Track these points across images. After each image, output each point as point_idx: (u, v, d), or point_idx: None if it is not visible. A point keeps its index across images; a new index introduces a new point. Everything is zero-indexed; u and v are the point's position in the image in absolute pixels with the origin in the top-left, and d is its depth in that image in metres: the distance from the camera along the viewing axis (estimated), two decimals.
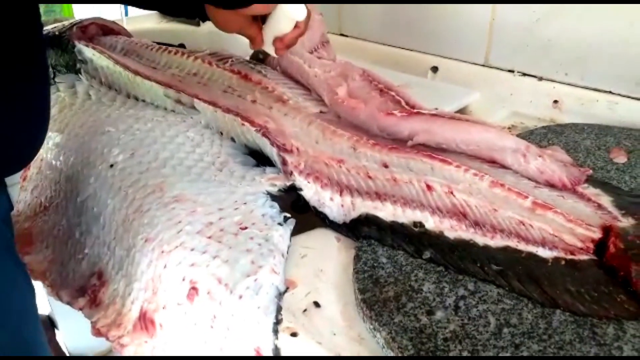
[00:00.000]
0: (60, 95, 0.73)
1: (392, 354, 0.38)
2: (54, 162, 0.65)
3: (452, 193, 0.51)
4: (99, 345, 1.07)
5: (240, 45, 1.05)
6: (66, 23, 0.81)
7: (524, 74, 0.78)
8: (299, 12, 0.55)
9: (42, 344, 0.49)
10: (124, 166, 0.57)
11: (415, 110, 0.61)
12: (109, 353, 1.09)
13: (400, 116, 0.61)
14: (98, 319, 0.49)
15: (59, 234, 0.62)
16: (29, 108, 0.46)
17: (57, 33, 0.78)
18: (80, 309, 0.54)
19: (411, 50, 0.88)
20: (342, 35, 0.99)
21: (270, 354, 0.42)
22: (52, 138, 0.66)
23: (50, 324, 1.03)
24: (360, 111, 0.63)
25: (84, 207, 0.59)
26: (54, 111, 0.69)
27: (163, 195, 0.53)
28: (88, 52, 0.74)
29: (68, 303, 0.57)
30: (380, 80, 0.67)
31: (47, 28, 0.82)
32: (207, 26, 1.14)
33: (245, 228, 0.50)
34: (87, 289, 0.55)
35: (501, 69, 0.80)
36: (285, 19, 0.56)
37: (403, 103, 0.64)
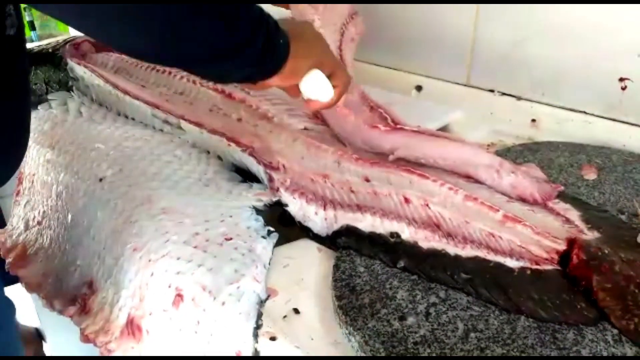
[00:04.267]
0: (52, 112, 0.76)
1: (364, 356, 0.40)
2: (45, 178, 0.67)
3: (427, 205, 0.53)
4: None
5: None
6: (60, 39, 0.84)
7: (504, 94, 0.82)
8: (321, 94, 0.52)
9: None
10: (113, 180, 0.59)
11: (398, 126, 0.65)
12: None
13: (383, 130, 0.64)
14: (87, 325, 0.51)
15: (51, 247, 0.64)
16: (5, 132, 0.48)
17: (50, 50, 0.81)
18: (71, 317, 0.55)
19: (396, 70, 0.91)
20: None
21: (250, 357, 0.44)
22: (44, 154, 0.68)
23: (38, 336, 1.04)
24: (349, 121, 0.66)
25: (74, 220, 0.61)
26: (46, 127, 0.72)
27: (151, 206, 0.56)
28: (79, 70, 0.77)
29: (60, 311, 0.58)
30: (373, 100, 0.70)
31: (41, 44, 0.85)
32: None
33: (230, 239, 0.52)
34: (78, 298, 0.57)
35: (482, 89, 0.83)
36: (312, 92, 0.52)
37: (389, 120, 0.67)
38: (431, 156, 0.61)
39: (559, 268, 0.47)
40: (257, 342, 0.44)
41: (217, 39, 0.40)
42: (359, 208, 0.55)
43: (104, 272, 0.53)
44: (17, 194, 0.72)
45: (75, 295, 0.57)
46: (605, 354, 0.40)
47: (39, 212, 0.67)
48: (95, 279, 0.54)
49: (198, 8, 0.38)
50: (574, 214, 0.55)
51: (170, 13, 0.37)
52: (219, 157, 0.65)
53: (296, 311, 0.46)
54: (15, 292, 0.67)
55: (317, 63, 0.50)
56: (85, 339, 0.51)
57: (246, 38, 0.41)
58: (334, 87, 0.52)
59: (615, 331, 0.42)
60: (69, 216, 0.62)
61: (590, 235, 0.51)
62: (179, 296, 0.47)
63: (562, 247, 0.48)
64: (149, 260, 0.49)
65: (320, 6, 0.72)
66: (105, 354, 0.51)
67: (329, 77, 0.51)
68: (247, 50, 0.42)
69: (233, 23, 0.40)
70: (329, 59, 0.52)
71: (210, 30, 0.40)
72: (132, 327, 0.48)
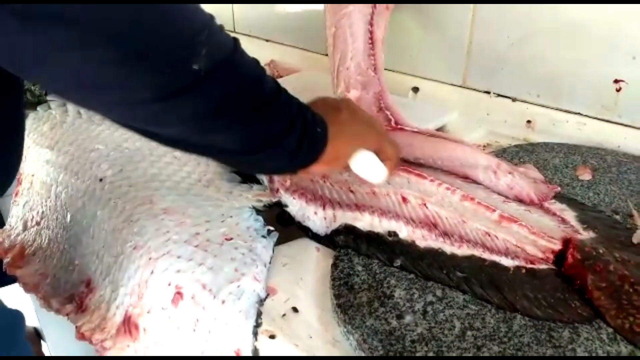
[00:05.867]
0: (51, 112, 0.76)
1: (364, 356, 0.41)
2: (44, 178, 0.67)
3: (425, 205, 0.54)
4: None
5: None
6: None
7: (499, 95, 0.82)
8: (373, 175, 0.50)
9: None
10: (113, 180, 0.59)
11: (399, 127, 0.66)
12: None
13: (386, 128, 0.65)
14: (83, 323, 0.51)
15: (50, 247, 0.64)
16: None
17: None
18: (67, 315, 0.56)
19: (393, 71, 0.92)
20: (327, 55, 1.04)
21: (249, 354, 0.44)
22: (43, 155, 0.69)
23: (37, 336, 1.04)
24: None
25: (73, 220, 0.61)
26: (45, 128, 0.72)
27: (152, 206, 0.56)
28: None
29: (57, 310, 0.58)
30: (385, 101, 0.70)
31: None
32: None
33: (231, 239, 0.53)
34: (75, 296, 0.57)
35: (478, 90, 0.84)
36: (364, 174, 0.51)
37: (393, 122, 0.68)
38: (430, 156, 0.62)
39: (554, 267, 0.48)
40: (256, 340, 0.45)
41: (246, 136, 0.39)
42: (358, 207, 0.56)
43: (102, 271, 0.53)
44: (16, 195, 0.72)
45: (72, 294, 0.57)
46: (600, 352, 0.40)
47: (37, 213, 0.67)
48: (93, 277, 0.54)
49: (227, 105, 0.37)
50: (569, 214, 0.56)
51: (200, 108, 0.35)
52: None
53: (295, 310, 0.47)
54: (13, 292, 0.67)
55: (360, 143, 0.48)
56: (81, 336, 0.51)
57: (279, 134, 0.40)
58: (383, 161, 0.50)
59: (610, 330, 0.42)
60: (68, 216, 0.62)
61: (585, 235, 0.52)
62: (179, 294, 0.48)
63: (557, 246, 0.49)
64: (149, 259, 0.50)
65: None
66: (101, 351, 0.51)
67: (376, 153, 0.50)
68: (280, 145, 0.41)
69: (266, 121, 0.39)
70: (372, 136, 0.50)
71: (240, 128, 0.38)
72: (128, 325, 0.49)
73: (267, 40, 1.13)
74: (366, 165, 0.49)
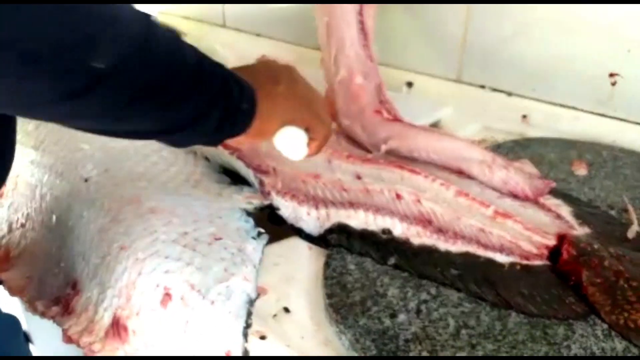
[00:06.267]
0: None
1: (356, 355, 0.40)
2: (29, 179, 0.66)
3: (419, 201, 0.53)
4: None
5: (220, 60, 1.08)
6: None
7: (494, 90, 0.82)
8: (294, 152, 0.49)
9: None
10: (99, 180, 0.58)
11: (397, 118, 0.66)
12: None
13: (384, 117, 0.65)
14: (70, 326, 0.50)
15: (35, 250, 0.63)
16: None
17: None
18: (53, 318, 0.54)
19: (387, 66, 0.90)
20: (317, 49, 1.03)
21: (239, 357, 0.43)
22: (28, 155, 0.67)
23: (25, 339, 1.02)
24: (359, 102, 0.66)
25: (59, 221, 0.60)
26: (30, 127, 0.70)
27: (139, 206, 0.55)
28: None
29: (42, 313, 0.57)
30: (384, 94, 0.69)
31: None
32: (188, 40, 1.16)
33: (220, 239, 0.52)
34: (61, 299, 0.56)
35: (473, 85, 0.83)
36: (285, 149, 0.49)
37: (391, 115, 0.67)
38: (424, 149, 0.61)
39: (549, 263, 0.47)
40: (246, 341, 0.44)
41: (164, 119, 0.38)
42: (352, 205, 0.55)
43: (89, 272, 0.52)
44: (0, 196, 0.70)
45: (58, 296, 0.56)
46: (595, 348, 0.40)
47: (22, 214, 0.66)
48: (80, 279, 0.53)
49: (139, 94, 0.35)
50: (564, 210, 0.55)
51: (108, 102, 0.34)
52: (207, 159, 0.64)
53: (286, 310, 0.46)
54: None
55: (289, 120, 0.47)
56: (68, 339, 0.50)
57: (199, 114, 0.39)
58: (311, 139, 0.49)
59: (605, 326, 0.42)
60: (53, 218, 0.61)
61: (580, 230, 0.51)
62: (168, 295, 0.47)
63: (552, 242, 0.48)
64: (137, 259, 0.49)
65: None
66: (89, 355, 0.50)
67: (306, 130, 0.48)
68: (201, 124, 0.40)
69: (185, 102, 0.38)
70: (304, 113, 0.48)
71: (156, 112, 0.37)
72: (117, 328, 0.48)
73: (257, 35, 1.12)
74: (287, 141, 0.48)
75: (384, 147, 0.63)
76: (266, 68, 0.49)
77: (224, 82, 0.41)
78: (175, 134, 0.40)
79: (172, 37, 0.38)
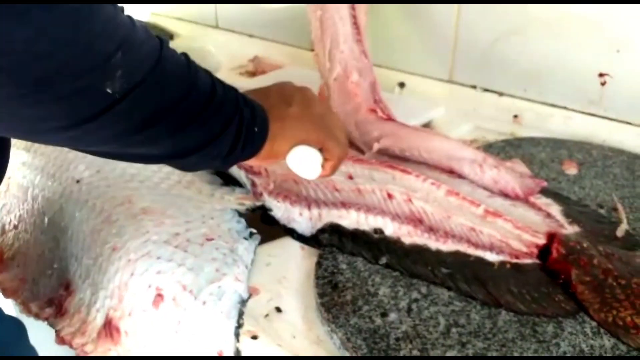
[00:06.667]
0: None
1: (347, 354, 0.40)
2: (21, 181, 0.66)
3: (410, 201, 0.53)
4: None
5: (213, 60, 1.08)
6: None
7: (486, 90, 0.82)
8: (307, 172, 0.47)
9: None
10: (91, 181, 0.58)
11: (391, 118, 0.66)
12: None
13: (378, 116, 0.66)
14: (62, 327, 0.50)
15: (28, 251, 0.62)
16: None
17: None
18: (46, 319, 0.54)
19: (379, 67, 0.91)
20: (313, 50, 1.03)
21: (231, 356, 0.44)
22: (19, 156, 0.67)
23: None
24: (354, 100, 0.66)
25: (51, 223, 0.60)
26: None
27: (131, 206, 0.55)
28: None
29: (36, 315, 0.57)
30: (380, 94, 0.70)
31: None
32: (181, 41, 1.16)
33: (212, 239, 0.52)
34: (55, 300, 0.56)
35: (464, 85, 0.84)
36: (298, 169, 0.48)
37: (385, 115, 0.68)
38: (416, 148, 0.62)
39: (538, 262, 0.48)
40: (238, 341, 0.44)
41: (175, 144, 0.37)
42: (344, 205, 0.55)
43: (82, 273, 0.52)
44: None
45: (51, 298, 0.56)
46: (584, 346, 0.40)
47: (15, 216, 0.66)
48: (72, 280, 0.53)
49: (150, 120, 0.34)
50: (555, 209, 0.55)
51: (119, 128, 0.33)
52: None
53: (278, 309, 0.46)
54: None
55: (301, 140, 0.45)
56: (61, 340, 0.50)
57: (210, 139, 0.38)
58: (326, 160, 0.47)
59: (594, 323, 0.42)
60: (46, 219, 0.61)
61: (570, 229, 0.52)
62: (160, 296, 0.47)
63: (541, 241, 0.49)
64: (129, 260, 0.49)
65: None
66: (82, 355, 0.50)
67: (320, 150, 0.47)
68: (212, 149, 0.39)
69: (197, 127, 0.37)
70: (318, 133, 0.46)
71: (167, 138, 0.36)
72: (110, 329, 0.48)
73: (250, 36, 1.12)
74: (301, 160, 0.46)
75: (376, 146, 0.63)
76: (279, 90, 0.47)
77: (236, 105, 0.40)
78: (185, 158, 0.39)
79: (184, 60, 0.37)
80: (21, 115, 0.30)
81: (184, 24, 1.22)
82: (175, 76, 0.36)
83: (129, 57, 0.32)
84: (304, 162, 0.47)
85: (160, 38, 0.35)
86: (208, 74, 0.39)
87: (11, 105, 0.29)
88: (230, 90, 0.41)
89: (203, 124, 0.37)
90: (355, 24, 0.69)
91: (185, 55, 0.38)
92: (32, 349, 0.52)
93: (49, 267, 0.59)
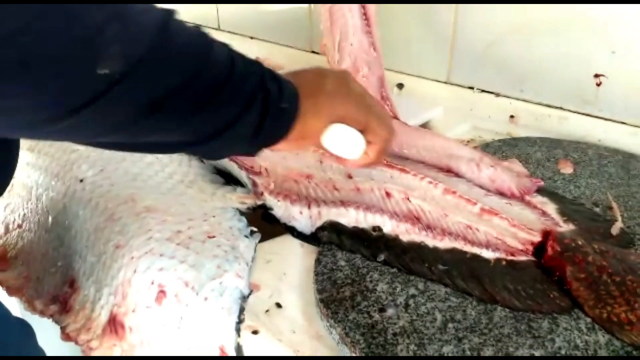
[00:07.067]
0: None
1: (346, 349, 0.41)
2: (25, 180, 0.67)
3: (408, 199, 0.54)
4: None
5: None
6: None
7: (483, 91, 0.83)
8: (347, 151, 0.43)
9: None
10: (94, 180, 0.59)
11: (396, 116, 0.68)
12: None
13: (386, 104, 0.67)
14: (68, 324, 0.51)
15: (32, 250, 0.63)
16: None
17: None
18: (51, 316, 0.55)
19: None
20: (313, 52, 1.04)
21: (233, 352, 0.44)
22: (23, 157, 0.68)
23: None
24: (356, 77, 0.67)
25: (55, 221, 0.61)
26: None
27: (135, 205, 0.56)
28: None
29: (41, 312, 0.58)
30: (387, 91, 0.70)
31: None
32: None
33: (213, 237, 0.53)
34: (59, 297, 0.56)
35: (462, 86, 0.85)
36: (336, 149, 0.43)
37: (391, 112, 0.69)
38: (415, 145, 0.63)
39: (533, 259, 0.48)
40: (239, 336, 0.45)
41: (193, 127, 0.32)
42: (343, 204, 0.56)
43: (86, 271, 0.53)
44: None
45: (56, 295, 0.57)
46: (578, 341, 0.41)
47: (19, 215, 0.67)
48: (77, 277, 0.54)
49: (163, 99, 0.30)
50: (550, 207, 0.56)
51: (121, 114, 0.29)
52: (201, 160, 0.65)
53: (278, 305, 0.47)
54: None
55: (336, 118, 0.40)
56: (66, 337, 0.51)
57: (233, 118, 0.33)
58: (369, 143, 0.43)
59: (589, 319, 0.43)
60: (50, 218, 0.62)
61: (565, 227, 0.53)
62: (162, 292, 0.48)
63: (537, 238, 0.50)
64: (132, 257, 0.50)
65: None
66: (87, 352, 0.51)
67: (362, 132, 0.42)
68: (235, 129, 0.34)
69: (216, 107, 0.32)
70: (357, 112, 0.41)
71: (183, 121, 0.31)
72: (114, 325, 0.48)
73: (251, 38, 1.13)
74: (339, 139, 0.41)
75: None
76: (316, 71, 0.42)
77: (260, 80, 0.35)
78: (206, 144, 0.34)
79: (195, 32, 0.32)
80: (8, 108, 0.26)
81: None
82: (185, 49, 0.30)
83: (126, 30, 0.27)
84: (343, 141, 0.41)
85: (166, 9, 0.30)
86: (226, 47, 0.34)
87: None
88: (254, 64, 0.36)
89: (222, 103, 0.33)
90: (365, 15, 0.68)
91: (198, 27, 0.33)
92: (41, 351, 0.52)
93: (53, 265, 0.59)
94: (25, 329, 0.51)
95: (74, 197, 0.59)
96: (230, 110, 0.33)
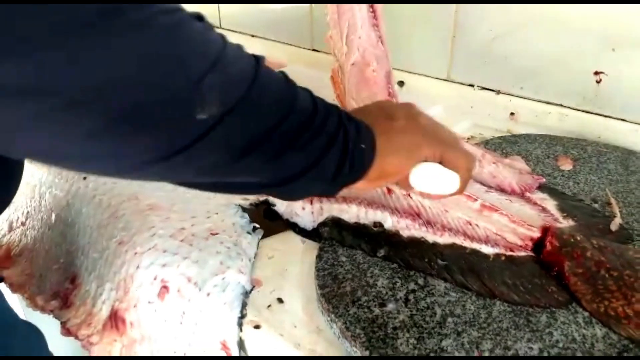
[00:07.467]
0: None
1: (347, 343, 0.42)
2: (28, 179, 0.67)
3: (409, 195, 0.55)
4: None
5: None
6: None
7: (483, 88, 0.83)
8: (438, 187, 0.43)
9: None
10: (97, 178, 0.60)
11: None
12: None
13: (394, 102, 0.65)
14: (68, 318, 0.51)
15: (35, 247, 0.64)
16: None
17: None
18: (51, 311, 0.56)
19: None
20: (314, 50, 1.04)
21: (235, 346, 0.45)
22: None
23: None
24: (373, 86, 0.66)
25: (58, 219, 0.61)
26: None
27: (138, 202, 0.56)
28: None
29: (42, 308, 0.59)
30: (393, 87, 0.69)
31: None
32: None
33: (216, 234, 0.53)
34: (60, 293, 0.57)
35: (462, 84, 0.85)
36: (427, 187, 0.44)
37: None
38: None
39: (532, 255, 0.49)
40: (241, 330, 0.45)
41: (276, 170, 0.33)
42: (345, 200, 0.57)
43: (88, 266, 0.53)
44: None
45: (57, 291, 0.58)
46: (576, 335, 0.41)
47: (22, 213, 0.67)
48: (78, 273, 0.55)
49: (249, 146, 0.31)
50: (550, 204, 0.57)
51: (213, 158, 0.30)
52: None
53: (280, 300, 0.47)
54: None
55: (415, 156, 0.41)
56: (66, 332, 0.51)
57: (315, 160, 0.34)
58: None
59: (586, 313, 0.43)
60: (53, 216, 0.62)
61: (564, 223, 0.53)
62: (165, 288, 0.48)
63: (536, 234, 0.50)
64: (135, 254, 0.50)
65: None
66: (87, 347, 0.51)
67: (442, 163, 0.42)
68: (317, 171, 0.35)
69: (300, 149, 0.33)
70: (432, 145, 0.41)
71: (268, 164, 0.32)
72: (115, 320, 0.49)
73: (252, 36, 1.13)
74: (428, 177, 0.42)
75: None
76: (379, 106, 0.44)
77: (339, 122, 0.36)
78: (287, 185, 0.35)
79: (282, 78, 0.34)
80: (105, 154, 0.27)
81: None
82: (274, 96, 0.32)
83: (224, 76, 0.28)
84: (431, 178, 0.42)
85: (255, 55, 0.32)
86: (308, 91, 0.36)
87: (86, 144, 0.26)
88: (332, 106, 0.37)
89: (306, 146, 0.34)
90: (372, 7, 0.68)
91: (282, 73, 0.35)
92: (51, 355, 0.53)
93: (55, 262, 0.60)
94: (34, 333, 0.52)
95: (77, 195, 0.59)
96: (313, 152, 0.34)
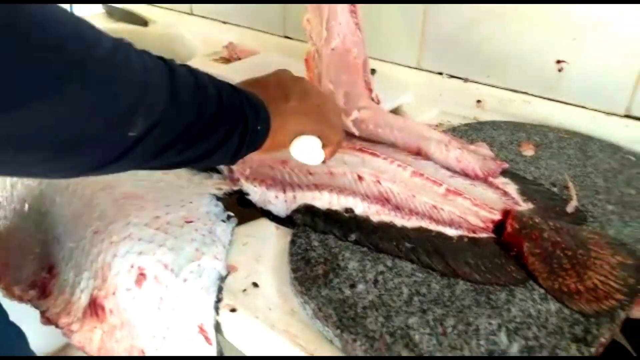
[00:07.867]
0: None
1: (319, 323, 0.44)
2: None
3: (379, 182, 0.57)
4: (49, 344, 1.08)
5: (188, 47, 1.08)
6: None
7: (452, 76, 0.86)
8: (310, 158, 0.52)
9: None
10: None
11: (377, 101, 0.71)
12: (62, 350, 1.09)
13: (371, 96, 0.70)
14: (47, 307, 0.52)
15: (9, 237, 0.64)
16: None
17: None
18: (29, 301, 0.56)
19: None
20: (286, 37, 1.05)
21: (212, 329, 0.47)
22: None
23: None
24: (353, 71, 0.69)
25: (31, 209, 0.61)
26: None
27: (113, 191, 0.57)
28: None
29: (19, 297, 0.59)
30: (369, 77, 0.73)
31: None
32: (155, 27, 1.16)
33: (191, 221, 0.54)
34: (38, 283, 0.58)
35: (431, 72, 0.87)
36: (302, 157, 0.52)
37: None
38: (390, 125, 0.65)
39: (494, 236, 0.52)
40: (218, 314, 0.47)
41: (190, 154, 0.40)
42: (317, 187, 0.58)
43: (64, 256, 0.54)
44: None
45: (34, 280, 0.58)
46: (532, 310, 0.44)
47: None
48: (56, 263, 0.55)
49: (175, 140, 0.38)
50: (511, 188, 0.60)
51: (140, 158, 0.37)
52: None
53: (255, 285, 0.49)
54: None
55: (299, 131, 0.50)
56: (46, 320, 0.52)
57: (219, 143, 0.42)
58: (324, 146, 0.52)
59: (542, 290, 0.46)
60: (26, 205, 0.62)
61: (524, 206, 0.56)
62: (142, 275, 0.49)
63: (497, 217, 0.53)
64: (111, 242, 0.51)
65: None
66: (68, 334, 0.52)
67: (319, 137, 0.51)
68: (221, 151, 0.42)
69: (209, 137, 0.40)
70: (315, 124, 0.50)
71: (185, 152, 0.39)
72: (94, 308, 0.50)
73: (224, 23, 1.13)
74: (303, 149, 0.51)
75: (355, 114, 0.66)
76: (277, 82, 0.50)
77: (240, 112, 0.43)
78: (197, 163, 0.42)
79: (192, 82, 0.39)
80: (52, 168, 0.34)
81: (159, 10, 1.22)
82: (188, 103, 0.38)
83: (148, 100, 0.35)
84: (306, 150, 0.51)
85: (167, 64, 0.38)
86: (214, 84, 0.42)
87: (42, 165, 0.33)
88: (235, 94, 0.43)
89: (213, 133, 0.41)
90: None
91: (190, 72, 0.40)
92: (32, 353, 0.54)
93: (30, 252, 0.60)
94: (18, 333, 0.53)
95: (50, 184, 0.59)
96: (218, 137, 0.42)
